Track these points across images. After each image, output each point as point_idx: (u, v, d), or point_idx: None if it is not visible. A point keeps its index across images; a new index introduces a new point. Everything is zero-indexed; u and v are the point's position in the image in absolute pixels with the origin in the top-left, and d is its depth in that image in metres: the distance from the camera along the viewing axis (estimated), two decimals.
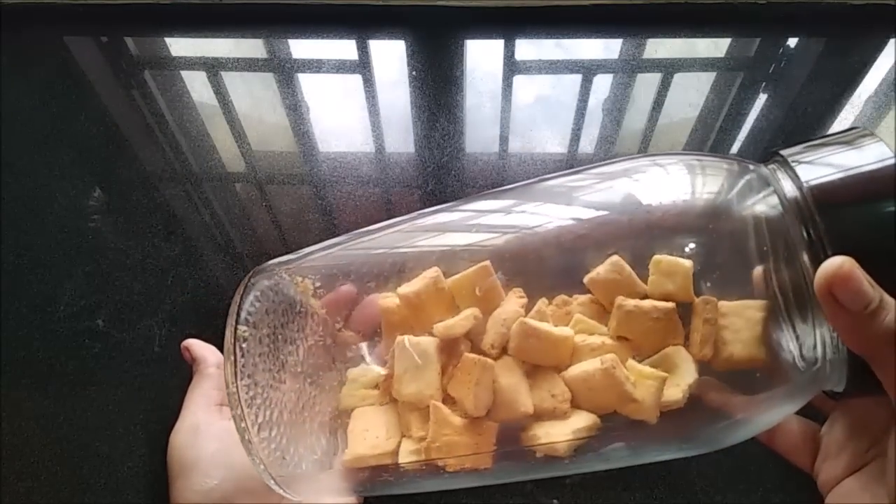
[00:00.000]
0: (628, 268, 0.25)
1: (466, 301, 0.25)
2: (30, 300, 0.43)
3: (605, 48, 0.59)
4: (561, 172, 0.28)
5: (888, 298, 0.18)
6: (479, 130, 0.52)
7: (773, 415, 0.24)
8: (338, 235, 0.29)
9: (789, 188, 0.21)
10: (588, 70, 0.56)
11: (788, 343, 0.22)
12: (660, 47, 0.58)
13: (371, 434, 0.25)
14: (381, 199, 0.48)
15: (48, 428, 0.38)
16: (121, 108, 0.54)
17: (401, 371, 0.24)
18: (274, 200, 0.48)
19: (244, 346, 0.24)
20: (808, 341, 0.21)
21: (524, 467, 0.25)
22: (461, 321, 0.24)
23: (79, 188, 0.49)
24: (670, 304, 0.23)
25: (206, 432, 0.29)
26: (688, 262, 0.23)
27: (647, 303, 0.24)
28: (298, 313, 0.27)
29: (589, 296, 0.26)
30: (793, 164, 0.21)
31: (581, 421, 0.23)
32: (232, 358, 0.24)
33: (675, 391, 0.23)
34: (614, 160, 0.27)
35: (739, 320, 0.23)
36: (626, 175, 0.27)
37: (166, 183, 0.49)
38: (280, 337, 0.26)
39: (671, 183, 0.25)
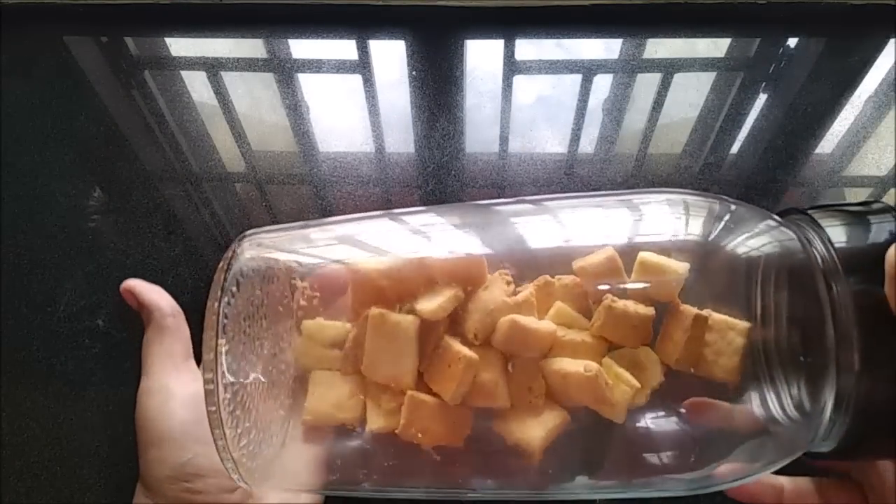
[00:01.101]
0: (620, 263, 0.24)
1: (448, 277, 0.25)
2: (30, 300, 0.43)
3: (605, 48, 0.59)
4: (558, 196, 0.29)
5: None
6: (479, 130, 0.52)
7: (742, 471, 0.24)
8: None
9: (819, 247, 0.21)
10: (588, 70, 0.56)
11: (770, 400, 0.23)
12: (660, 47, 0.58)
13: (333, 397, 0.24)
14: (381, 199, 0.48)
15: (48, 428, 0.38)
16: (121, 108, 0.54)
17: (374, 348, 0.23)
18: (274, 200, 0.48)
19: (224, 349, 0.23)
20: (791, 399, 0.22)
21: (493, 467, 0.25)
22: (445, 304, 0.23)
23: (79, 188, 0.49)
24: (652, 311, 0.23)
25: (177, 399, 0.28)
26: (683, 266, 0.23)
27: (633, 307, 0.23)
28: (269, 283, 0.26)
29: (572, 277, 0.26)
30: (824, 226, 0.21)
31: (552, 419, 0.24)
32: (212, 375, 0.22)
33: (640, 393, 0.23)
34: (623, 192, 0.28)
35: (722, 342, 0.23)
36: (630, 208, 0.27)
37: (166, 183, 0.49)
38: (255, 325, 0.25)
39: (673, 224, 0.26)
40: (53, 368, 0.40)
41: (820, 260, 0.21)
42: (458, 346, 0.23)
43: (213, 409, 0.22)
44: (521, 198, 0.28)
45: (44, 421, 0.38)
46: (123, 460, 0.37)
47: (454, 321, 0.24)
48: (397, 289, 0.24)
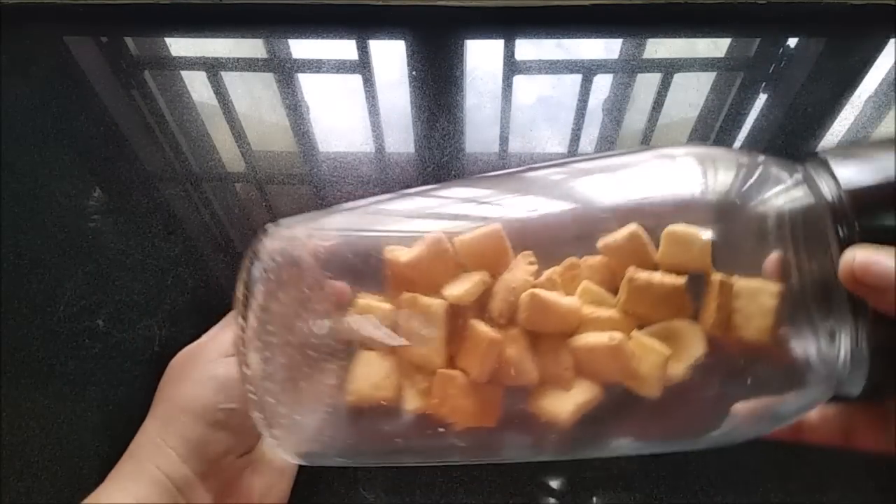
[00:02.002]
0: (646, 237, 0.24)
1: (473, 262, 0.25)
2: (30, 300, 0.43)
3: (605, 48, 0.59)
4: (574, 158, 0.28)
5: None
6: (479, 130, 0.52)
7: (784, 417, 0.23)
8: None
9: (826, 188, 0.21)
10: (588, 70, 0.56)
11: (807, 342, 0.22)
12: (660, 47, 0.58)
13: (371, 376, 0.25)
14: None
15: (48, 428, 0.38)
16: (121, 108, 0.54)
17: (407, 330, 0.24)
18: (274, 200, 0.48)
19: (248, 325, 0.24)
20: (827, 341, 0.21)
21: (526, 439, 0.25)
22: (471, 289, 0.24)
23: (79, 188, 0.49)
24: (680, 281, 0.23)
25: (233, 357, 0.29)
26: (707, 234, 0.23)
27: (657, 277, 0.23)
28: (299, 272, 0.27)
29: (599, 258, 0.25)
30: (832, 165, 0.21)
31: (584, 394, 0.23)
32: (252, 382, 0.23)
33: (677, 366, 0.23)
34: (633, 150, 0.27)
35: (752, 305, 0.22)
36: (646, 165, 0.26)
37: (166, 183, 0.49)
38: (287, 302, 0.26)
39: (689, 175, 0.25)
40: (53, 368, 0.40)
41: (831, 201, 0.20)
42: (481, 327, 0.23)
43: (251, 388, 0.23)
44: (531, 166, 0.28)
45: (44, 421, 0.38)
46: None
47: (481, 305, 0.25)
48: (426, 278, 0.25)
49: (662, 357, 0.22)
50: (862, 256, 0.18)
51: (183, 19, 0.60)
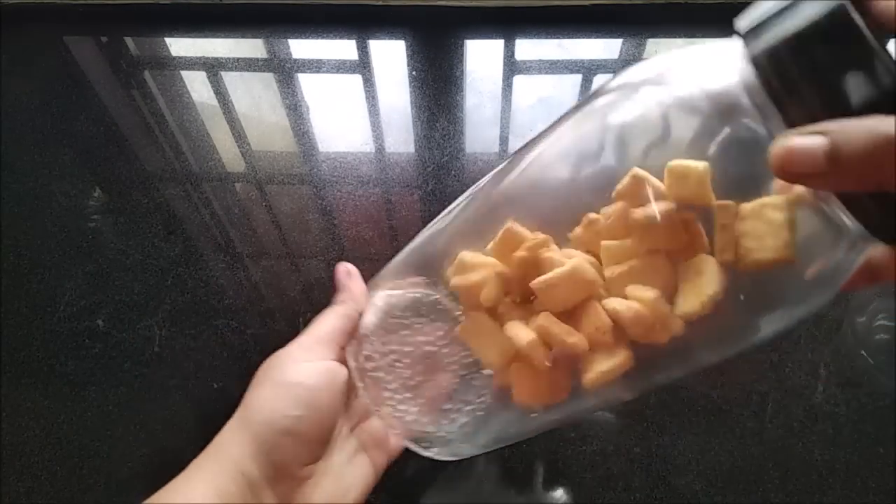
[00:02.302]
0: (646, 175, 0.23)
1: (508, 261, 0.27)
2: (30, 300, 0.43)
3: (605, 48, 0.59)
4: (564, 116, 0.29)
5: (832, 126, 0.17)
6: (479, 130, 0.52)
7: (842, 271, 0.22)
8: (338, 237, 0.30)
9: (746, 72, 0.20)
10: (588, 70, 0.56)
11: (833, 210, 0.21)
12: (660, 47, 0.58)
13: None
14: (381, 199, 0.48)
15: (48, 428, 0.38)
16: (121, 108, 0.54)
17: (477, 343, 0.27)
18: (274, 200, 0.48)
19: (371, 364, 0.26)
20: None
21: (607, 391, 0.27)
22: (484, 285, 0.26)
23: (79, 188, 0.49)
24: (671, 204, 0.23)
25: (316, 364, 0.29)
26: (701, 164, 0.22)
27: (651, 208, 0.23)
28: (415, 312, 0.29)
29: (617, 205, 0.25)
30: (744, 38, 0.19)
31: (612, 360, 0.24)
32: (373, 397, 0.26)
33: (694, 301, 0.22)
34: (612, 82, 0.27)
35: (761, 224, 0.22)
36: (644, 83, 0.26)
37: (166, 183, 0.49)
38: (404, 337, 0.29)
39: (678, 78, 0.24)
40: (53, 368, 0.40)
41: (752, 85, 0.19)
42: (514, 330, 0.25)
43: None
44: (524, 148, 0.28)
45: (44, 421, 0.38)
46: (123, 460, 0.37)
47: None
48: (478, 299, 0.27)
49: (649, 299, 0.23)
50: (784, 146, 0.17)
51: (183, 19, 0.60)
